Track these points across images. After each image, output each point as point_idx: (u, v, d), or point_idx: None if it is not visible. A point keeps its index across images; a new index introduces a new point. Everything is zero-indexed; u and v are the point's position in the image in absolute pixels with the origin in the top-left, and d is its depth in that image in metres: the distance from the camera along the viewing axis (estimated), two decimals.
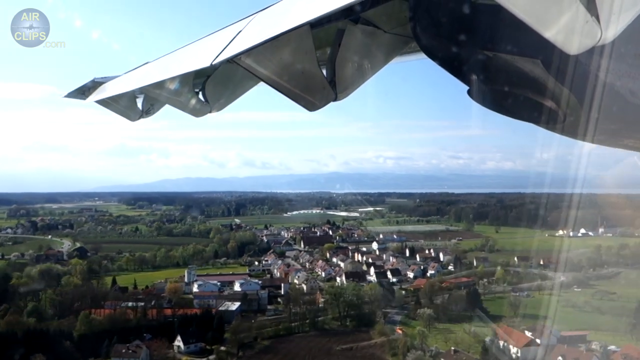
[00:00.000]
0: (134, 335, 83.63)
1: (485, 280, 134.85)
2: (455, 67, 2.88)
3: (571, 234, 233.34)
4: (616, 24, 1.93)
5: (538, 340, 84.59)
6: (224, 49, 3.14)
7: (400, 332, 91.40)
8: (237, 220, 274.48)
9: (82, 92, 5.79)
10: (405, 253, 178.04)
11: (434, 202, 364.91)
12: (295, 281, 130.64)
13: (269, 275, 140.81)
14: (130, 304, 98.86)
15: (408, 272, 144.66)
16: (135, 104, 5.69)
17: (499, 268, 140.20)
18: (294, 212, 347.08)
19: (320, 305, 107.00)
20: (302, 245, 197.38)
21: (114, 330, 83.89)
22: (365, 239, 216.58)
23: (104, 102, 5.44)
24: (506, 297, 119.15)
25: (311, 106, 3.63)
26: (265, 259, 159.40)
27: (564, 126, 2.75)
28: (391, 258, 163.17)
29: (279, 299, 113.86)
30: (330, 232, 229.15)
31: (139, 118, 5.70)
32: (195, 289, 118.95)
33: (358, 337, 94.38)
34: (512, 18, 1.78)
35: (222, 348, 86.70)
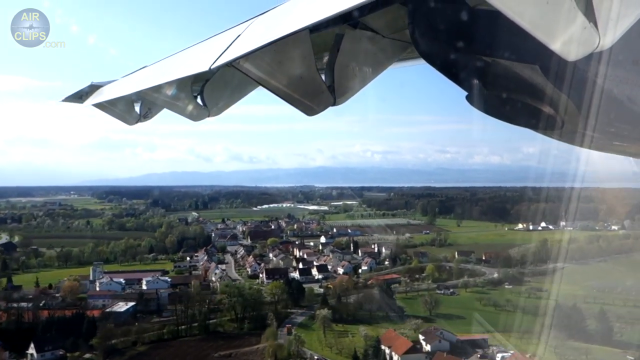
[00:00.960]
0: None
1: (415, 276, 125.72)
2: (453, 72, 2.83)
3: (531, 227, 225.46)
4: (614, 31, 1.89)
5: (428, 347, 75.72)
6: (223, 53, 3.07)
7: (286, 332, 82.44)
8: (195, 214, 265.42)
9: (80, 96, 5.57)
10: (350, 248, 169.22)
11: (406, 195, 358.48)
12: (212, 278, 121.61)
13: (191, 272, 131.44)
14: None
15: (338, 268, 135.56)
16: (133, 108, 5.49)
17: (429, 264, 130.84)
18: (264, 206, 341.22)
19: (224, 305, 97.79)
20: (249, 240, 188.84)
21: None
22: (318, 233, 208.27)
23: (101, 106, 5.30)
24: (429, 295, 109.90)
25: (310, 111, 3.50)
26: (196, 254, 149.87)
27: (562, 132, 2.71)
28: (331, 254, 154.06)
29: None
30: (285, 226, 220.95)
31: (136, 122, 5.53)
32: (97, 287, 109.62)
33: (246, 341, 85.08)
34: (510, 24, 1.74)
35: (87, 355, 77.40)
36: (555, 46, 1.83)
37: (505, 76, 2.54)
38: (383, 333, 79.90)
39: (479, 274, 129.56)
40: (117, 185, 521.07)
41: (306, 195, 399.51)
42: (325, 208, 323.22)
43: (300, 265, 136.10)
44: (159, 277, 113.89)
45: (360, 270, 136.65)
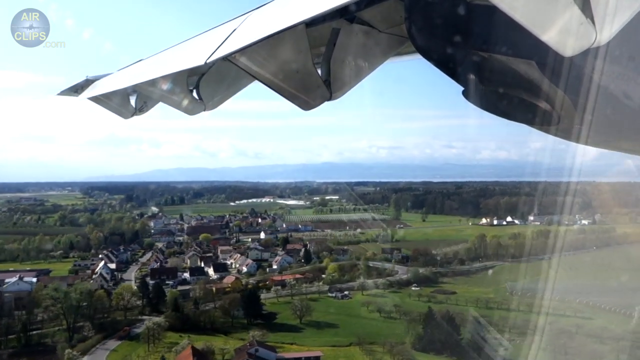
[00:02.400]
0: None
1: (321, 276, 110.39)
2: (450, 67, 2.78)
3: (495, 222, 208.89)
4: (611, 26, 1.84)
5: None
6: (219, 47, 3.01)
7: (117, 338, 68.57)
8: (155, 209, 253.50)
9: (75, 90, 5.48)
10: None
11: (387, 190, 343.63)
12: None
13: (77, 272, 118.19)
14: None
15: (243, 267, 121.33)
16: (129, 102, 5.37)
17: (332, 264, 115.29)
18: (242, 201, 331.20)
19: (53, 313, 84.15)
20: (185, 236, 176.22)
21: None
22: (267, 229, 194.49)
23: (96, 100, 5.15)
24: (316, 298, 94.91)
25: (306, 105, 3.46)
26: (104, 251, 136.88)
27: (558, 128, 2.66)
28: (248, 251, 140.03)
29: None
30: (233, 222, 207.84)
31: (132, 116, 5.43)
32: None
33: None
34: (507, 19, 1.69)
35: None
36: (552, 41, 1.76)
37: (502, 71, 2.45)
38: (182, 350, 65.16)
39: (389, 274, 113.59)
40: (119, 182, 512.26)
41: (296, 190, 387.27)
42: (302, 203, 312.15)
43: (203, 264, 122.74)
44: (23, 279, 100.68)
45: (267, 270, 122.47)
